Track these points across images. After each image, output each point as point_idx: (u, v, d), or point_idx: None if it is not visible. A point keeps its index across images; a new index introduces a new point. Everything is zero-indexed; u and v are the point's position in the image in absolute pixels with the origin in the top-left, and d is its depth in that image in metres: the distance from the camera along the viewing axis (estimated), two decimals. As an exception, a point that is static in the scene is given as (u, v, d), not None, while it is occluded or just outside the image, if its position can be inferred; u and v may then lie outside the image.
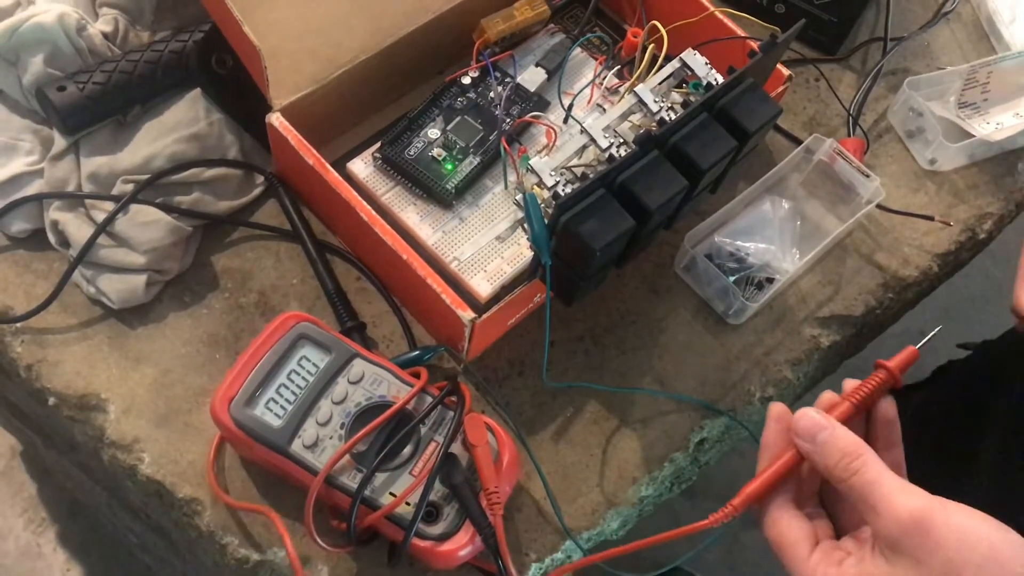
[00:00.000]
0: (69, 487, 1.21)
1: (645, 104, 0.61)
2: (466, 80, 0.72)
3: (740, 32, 0.73)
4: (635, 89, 0.61)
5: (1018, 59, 0.81)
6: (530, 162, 0.57)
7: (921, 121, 0.80)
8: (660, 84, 0.62)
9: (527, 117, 0.71)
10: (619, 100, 0.63)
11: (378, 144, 0.69)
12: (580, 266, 0.57)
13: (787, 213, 0.74)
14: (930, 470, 0.79)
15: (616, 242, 0.56)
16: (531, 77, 0.73)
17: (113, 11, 0.68)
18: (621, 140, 0.59)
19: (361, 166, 0.69)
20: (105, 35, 0.67)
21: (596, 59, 0.76)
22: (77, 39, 0.65)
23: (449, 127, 0.70)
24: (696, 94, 0.63)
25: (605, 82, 0.75)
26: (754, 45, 0.71)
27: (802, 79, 0.82)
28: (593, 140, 0.59)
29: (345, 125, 0.71)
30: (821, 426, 0.47)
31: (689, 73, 0.63)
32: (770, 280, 0.72)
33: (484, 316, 0.60)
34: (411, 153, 0.69)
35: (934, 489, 0.44)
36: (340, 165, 0.69)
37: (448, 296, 0.60)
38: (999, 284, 1.58)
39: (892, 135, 0.81)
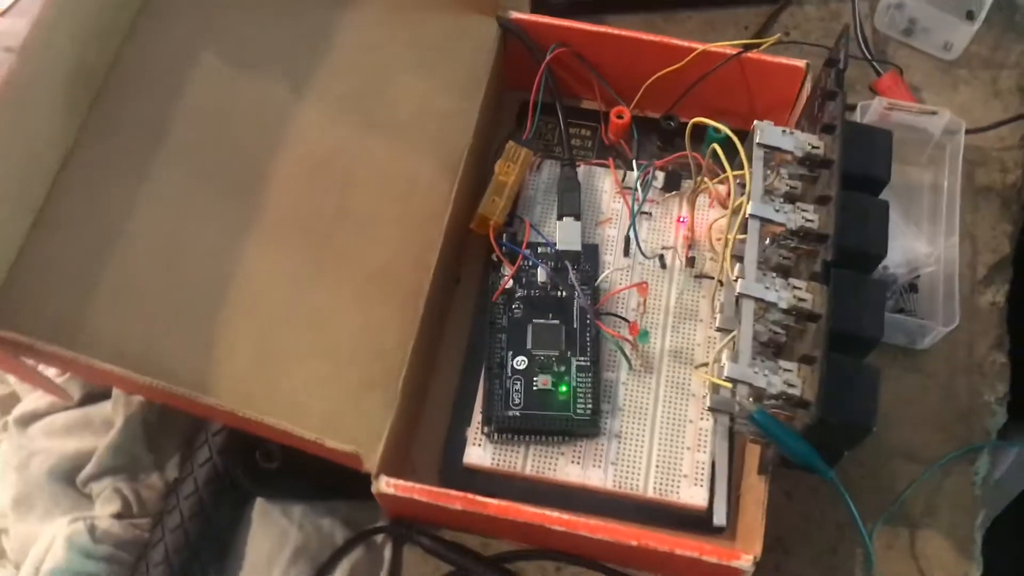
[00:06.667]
0: None
1: (773, 222, 0.50)
2: (510, 284, 0.60)
3: (729, 51, 0.62)
4: (750, 213, 0.50)
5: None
6: (727, 375, 0.46)
7: (908, 12, 0.72)
8: (768, 191, 0.51)
9: (604, 298, 0.59)
10: (730, 238, 0.52)
11: (478, 419, 0.56)
12: (849, 446, 0.47)
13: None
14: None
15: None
16: (566, 234, 0.61)
17: (106, 482, 0.52)
18: (788, 284, 0.48)
19: (479, 453, 0.56)
20: (118, 515, 0.51)
21: (605, 164, 0.64)
22: (97, 549, 0.50)
23: (530, 346, 0.58)
24: (795, 170, 0.52)
25: (625, 181, 0.64)
26: (754, 56, 0.61)
27: (782, 49, 0.72)
28: (767, 304, 0.48)
29: (426, 424, 0.58)
30: None
31: (779, 154, 0.52)
32: (918, 277, 0.63)
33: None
34: (516, 403, 0.56)
35: None
36: (450, 463, 0.56)
37: (712, 553, 0.49)
38: None
39: (894, 44, 0.73)
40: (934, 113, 0.65)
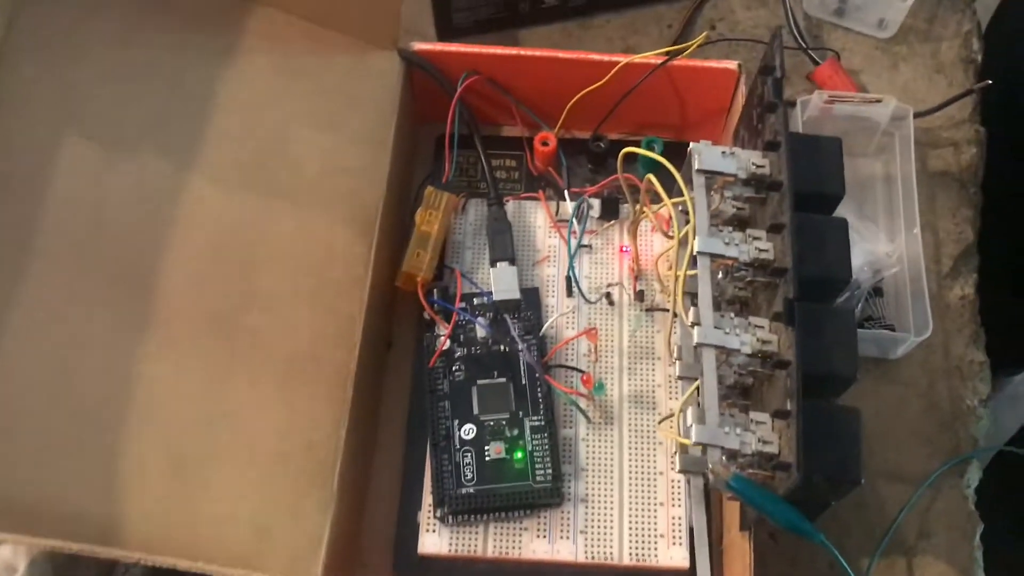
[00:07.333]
0: None
1: (724, 257, 0.45)
2: (447, 345, 0.54)
3: (654, 61, 0.57)
4: (698, 250, 0.45)
5: None
6: (696, 440, 0.41)
7: (835, -9, 0.67)
8: (714, 215, 0.46)
9: (552, 351, 0.54)
10: (679, 274, 0.47)
11: (429, 501, 0.51)
12: (835, 499, 0.43)
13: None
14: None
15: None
16: (501, 282, 0.56)
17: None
18: (749, 325, 0.44)
19: (435, 540, 0.51)
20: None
21: (536, 196, 0.59)
22: None
23: (476, 411, 0.53)
24: (741, 191, 0.48)
25: (559, 214, 0.59)
26: (681, 62, 0.56)
27: (710, 48, 0.67)
28: (728, 350, 0.43)
29: (373, 513, 0.53)
30: None
31: (722, 177, 0.47)
32: (882, 280, 0.59)
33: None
34: (468, 478, 0.51)
35: None
36: (404, 554, 0.51)
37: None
38: None
39: (828, 28, 0.68)
40: (878, 101, 0.60)
